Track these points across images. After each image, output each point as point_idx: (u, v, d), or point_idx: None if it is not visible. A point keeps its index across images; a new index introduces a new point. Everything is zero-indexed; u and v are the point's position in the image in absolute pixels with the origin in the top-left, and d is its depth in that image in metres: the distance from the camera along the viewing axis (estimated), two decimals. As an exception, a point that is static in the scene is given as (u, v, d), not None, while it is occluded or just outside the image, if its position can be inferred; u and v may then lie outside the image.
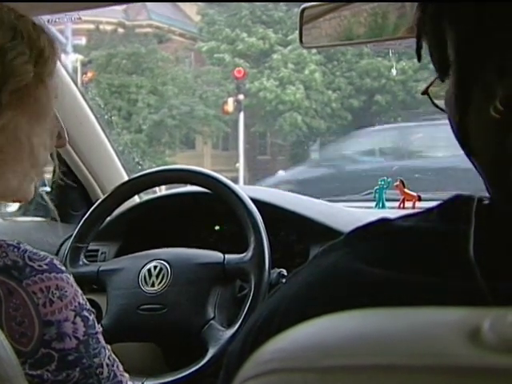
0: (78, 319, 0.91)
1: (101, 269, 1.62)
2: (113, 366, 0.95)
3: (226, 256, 1.54)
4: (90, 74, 14.61)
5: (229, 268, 1.53)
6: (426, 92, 0.73)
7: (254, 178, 16.41)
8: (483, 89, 0.58)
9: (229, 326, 1.50)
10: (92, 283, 1.63)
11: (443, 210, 0.57)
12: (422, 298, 0.46)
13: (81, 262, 1.61)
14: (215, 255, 1.56)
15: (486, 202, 0.54)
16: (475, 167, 0.64)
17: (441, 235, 0.54)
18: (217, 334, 1.48)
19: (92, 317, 0.94)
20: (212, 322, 1.50)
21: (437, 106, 0.72)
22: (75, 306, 0.91)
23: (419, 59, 0.68)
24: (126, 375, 0.98)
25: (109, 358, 0.95)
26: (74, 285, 0.94)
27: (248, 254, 1.50)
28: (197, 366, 1.46)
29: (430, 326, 0.40)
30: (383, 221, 0.59)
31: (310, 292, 0.57)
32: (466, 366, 0.36)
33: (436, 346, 0.38)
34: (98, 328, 0.95)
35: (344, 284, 0.55)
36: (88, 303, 0.95)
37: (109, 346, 0.96)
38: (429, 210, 0.58)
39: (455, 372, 0.36)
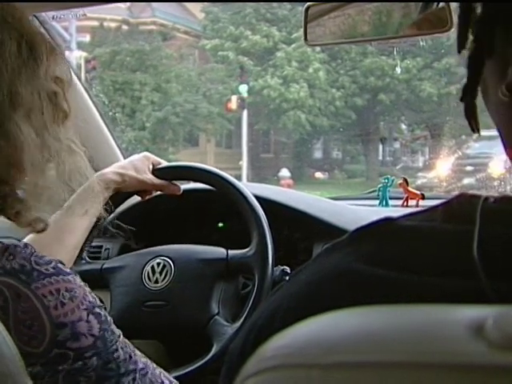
0: (92, 317, 0.91)
1: (104, 267, 1.62)
2: (126, 347, 0.97)
3: (229, 252, 1.54)
4: (93, 62, 14.62)
5: (232, 263, 1.53)
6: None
7: (257, 175, 16.42)
8: (496, 68, 0.58)
9: (233, 321, 1.50)
10: (95, 281, 1.63)
11: (447, 208, 0.57)
12: (424, 298, 0.45)
13: (83, 261, 1.60)
14: (218, 251, 1.56)
15: (492, 200, 0.54)
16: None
17: (445, 235, 0.54)
18: (221, 329, 1.48)
19: (103, 312, 0.95)
20: (216, 317, 1.50)
21: None
22: (87, 305, 0.91)
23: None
24: (138, 353, 1.00)
25: (123, 342, 0.96)
26: (82, 284, 0.94)
27: (251, 249, 1.50)
28: (202, 361, 1.46)
29: (434, 324, 0.40)
30: (386, 220, 0.58)
31: (312, 291, 0.57)
32: (469, 363, 0.36)
33: (440, 343, 0.38)
34: (110, 319, 0.96)
35: (346, 284, 0.55)
36: (97, 299, 0.96)
37: (120, 331, 0.98)
38: (433, 209, 0.58)
39: (459, 369, 0.36)
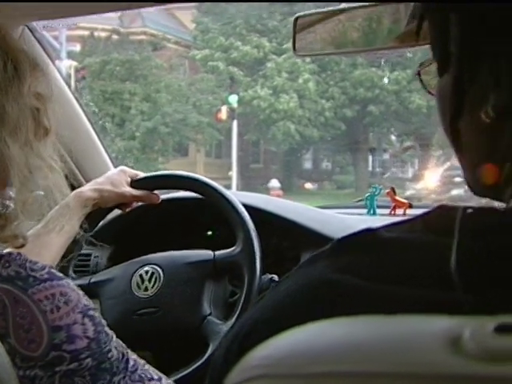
0: (86, 320, 0.93)
1: (92, 281, 1.63)
2: (121, 346, 0.99)
3: (216, 252, 1.55)
4: (82, 72, 14.65)
5: (219, 263, 1.54)
6: (418, 73, 0.74)
7: (247, 186, 16.41)
8: (478, 92, 0.58)
9: (226, 319, 1.51)
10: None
11: (428, 220, 0.57)
12: (402, 309, 0.46)
13: (69, 277, 1.59)
14: (205, 253, 1.57)
15: (471, 211, 0.54)
16: (462, 166, 0.65)
17: (424, 246, 0.54)
18: (215, 328, 1.48)
19: (97, 314, 0.97)
20: (209, 317, 1.51)
21: (428, 92, 0.74)
22: (81, 308, 0.93)
23: (418, 39, 0.69)
24: (130, 351, 1.02)
25: (116, 342, 0.98)
26: (76, 288, 0.96)
27: (237, 248, 1.52)
28: (200, 362, 1.46)
29: (413, 335, 0.41)
30: (367, 231, 0.59)
31: (292, 301, 0.58)
32: (447, 374, 0.37)
33: (418, 354, 0.39)
34: (104, 321, 0.98)
35: (326, 295, 0.55)
36: (91, 302, 0.98)
37: (113, 332, 0.99)
38: (414, 220, 0.58)
39: (437, 380, 0.37)
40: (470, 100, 0.60)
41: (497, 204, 0.60)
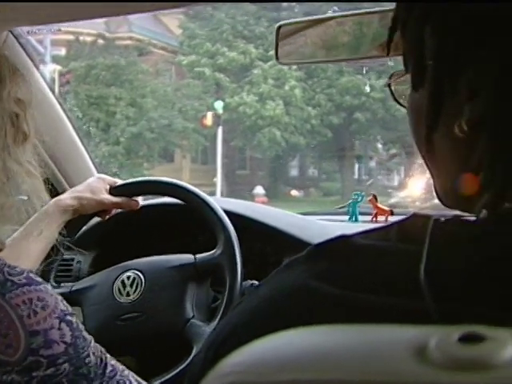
0: (63, 325, 0.93)
1: (73, 289, 1.62)
2: (99, 352, 0.99)
3: (197, 255, 1.56)
4: (67, 76, 14.62)
5: (200, 266, 1.55)
6: (389, 85, 0.74)
7: (232, 192, 16.40)
8: (453, 105, 0.58)
9: (209, 322, 1.51)
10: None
11: (401, 228, 0.58)
12: (372, 318, 0.46)
13: (50, 284, 1.59)
14: (186, 257, 1.58)
15: (442, 221, 0.55)
16: (433, 177, 0.66)
17: (396, 255, 0.55)
18: (199, 331, 1.49)
19: (75, 319, 0.96)
20: (192, 320, 1.51)
21: (398, 102, 0.74)
22: (58, 314, 0.93)
23: (388, 53, 0.68)
24: (109, 356, 1.02)
25: (94, 347, 0.98)
26: (54, 293, 0.96)
27: (218, 250, 1.53)
28: (184, 364, 1.46)
29: (379, 344, 0.41)
30: (342, 238, 0.59)
31: (268, 307, 0.58)
32: (412, 382, 0.37)
33: (385, 362, 0.39)
34: (82, 326, 0.97)
35: (300, 302, 0.56)
36: (69, 307, 0.97)
37: (91, 337, 0.99)
38: (388, 227, 0.59)
39: None
40: (445, 113, 0.60)
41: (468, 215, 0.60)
